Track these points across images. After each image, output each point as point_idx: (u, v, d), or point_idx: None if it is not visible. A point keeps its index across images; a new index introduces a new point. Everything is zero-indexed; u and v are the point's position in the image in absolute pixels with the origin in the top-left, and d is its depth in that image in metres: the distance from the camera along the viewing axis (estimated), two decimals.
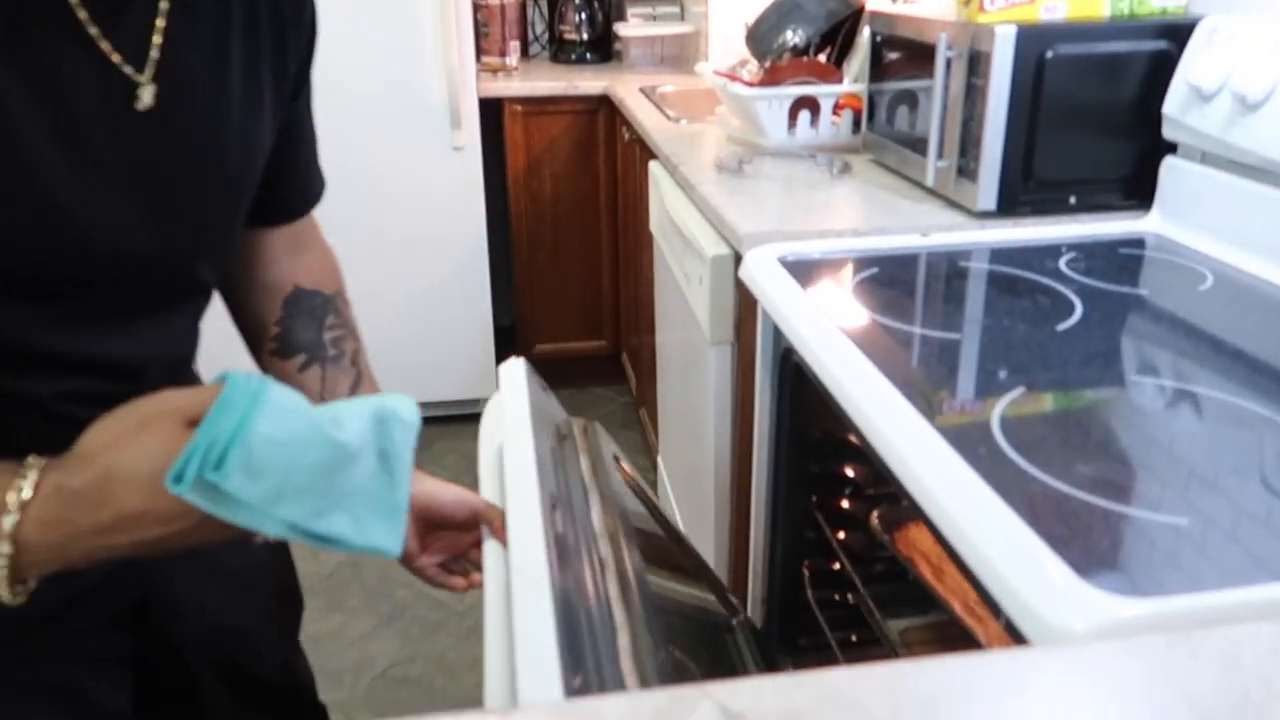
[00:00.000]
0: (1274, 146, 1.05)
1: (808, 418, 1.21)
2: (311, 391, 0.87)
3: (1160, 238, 1.22)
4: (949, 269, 1.14)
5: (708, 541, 1.58)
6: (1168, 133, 1.22)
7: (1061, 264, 1.12)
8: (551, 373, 2.93)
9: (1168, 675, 0.50)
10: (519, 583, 0.61)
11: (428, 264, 2.58)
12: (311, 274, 0.90)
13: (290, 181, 0.85)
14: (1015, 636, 0.61)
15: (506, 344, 2.79)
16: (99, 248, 0.63)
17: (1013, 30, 1.19)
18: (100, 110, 0.62)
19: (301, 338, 0.88)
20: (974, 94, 1.25)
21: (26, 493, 0.51)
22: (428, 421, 2.91)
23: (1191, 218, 1.20)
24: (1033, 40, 1.20)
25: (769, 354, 1.21)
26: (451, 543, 0.89)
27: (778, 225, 1.25)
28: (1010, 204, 1.26)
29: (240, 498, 0.49)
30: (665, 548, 1.16)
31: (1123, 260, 1.15)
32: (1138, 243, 1.21)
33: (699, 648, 1.21)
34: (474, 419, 3.12)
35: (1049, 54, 1.20)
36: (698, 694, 0.48)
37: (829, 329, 0.96)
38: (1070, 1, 1.24)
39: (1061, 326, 0.95)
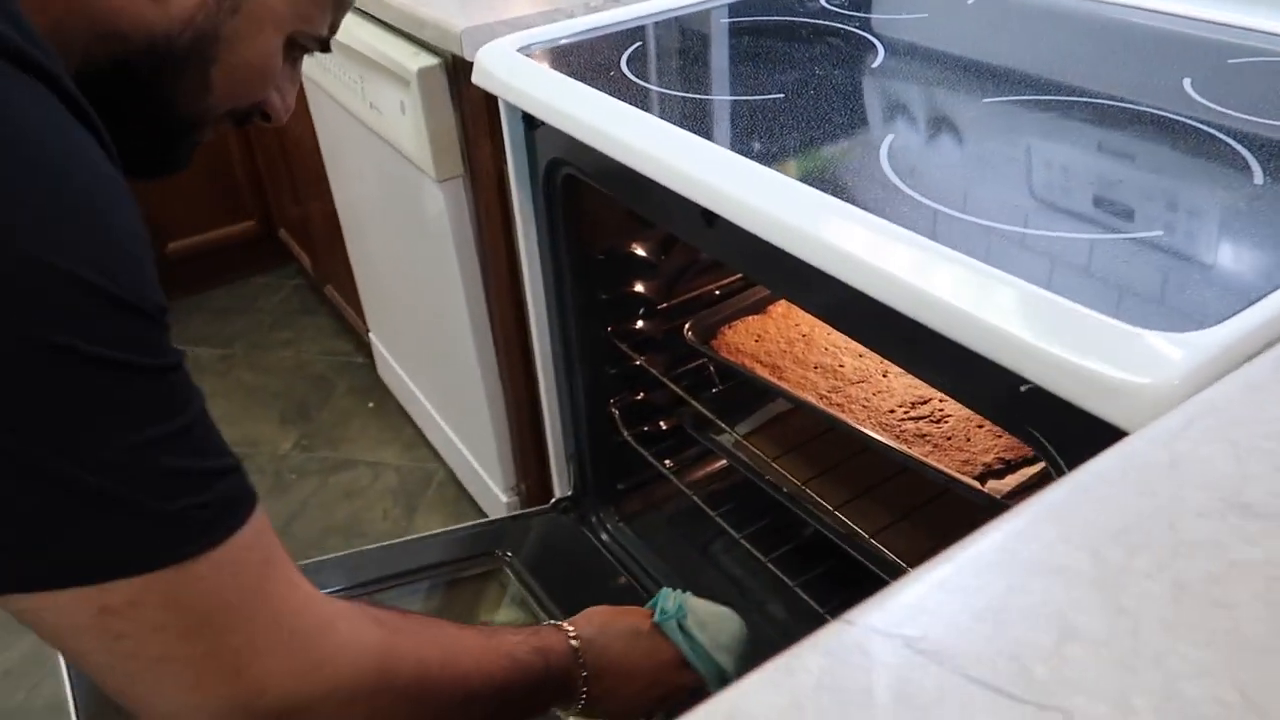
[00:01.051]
0: None
1: (586, 238, 1.03)
2: None
3: None
4: (716, 28, 0.98)
5: (478, 413, 1.38)
6: None
7: (823, 3, 1.00)
8: (196, 272, 2.47)
9: None
10: None
11: None
12: None
13: None
14: (1037, 408, 0.50)
15: None
16: None
17: None
18: None
19: None
20: None
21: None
22: None
23: None
24: None
25: (525, 173, 1.00)
26: None
27: (495, 16, 1.01)
28: None
29: (694, 636, 0.74)
30: None
31: None
32: None
33: None
34: None
35: None
36: (845, 627, 0.32)
37: (627, 112, 0.77)
38: None
39: (874, 64, 0.84)
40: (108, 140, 0.43)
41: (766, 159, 0.67)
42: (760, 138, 0.71)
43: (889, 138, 0.69)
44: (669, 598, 0.76)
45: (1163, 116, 0.69)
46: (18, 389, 0.37)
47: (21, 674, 1.53)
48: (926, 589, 0.33)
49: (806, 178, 0.64)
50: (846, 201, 0.60)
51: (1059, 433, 0.51)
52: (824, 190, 0.62)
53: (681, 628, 0.74)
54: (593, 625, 0.70)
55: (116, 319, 0.40)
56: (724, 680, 0.75)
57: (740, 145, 0.69)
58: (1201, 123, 0.68)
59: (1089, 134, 0.69)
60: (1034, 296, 0.50)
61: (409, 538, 1.06)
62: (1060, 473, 0.53)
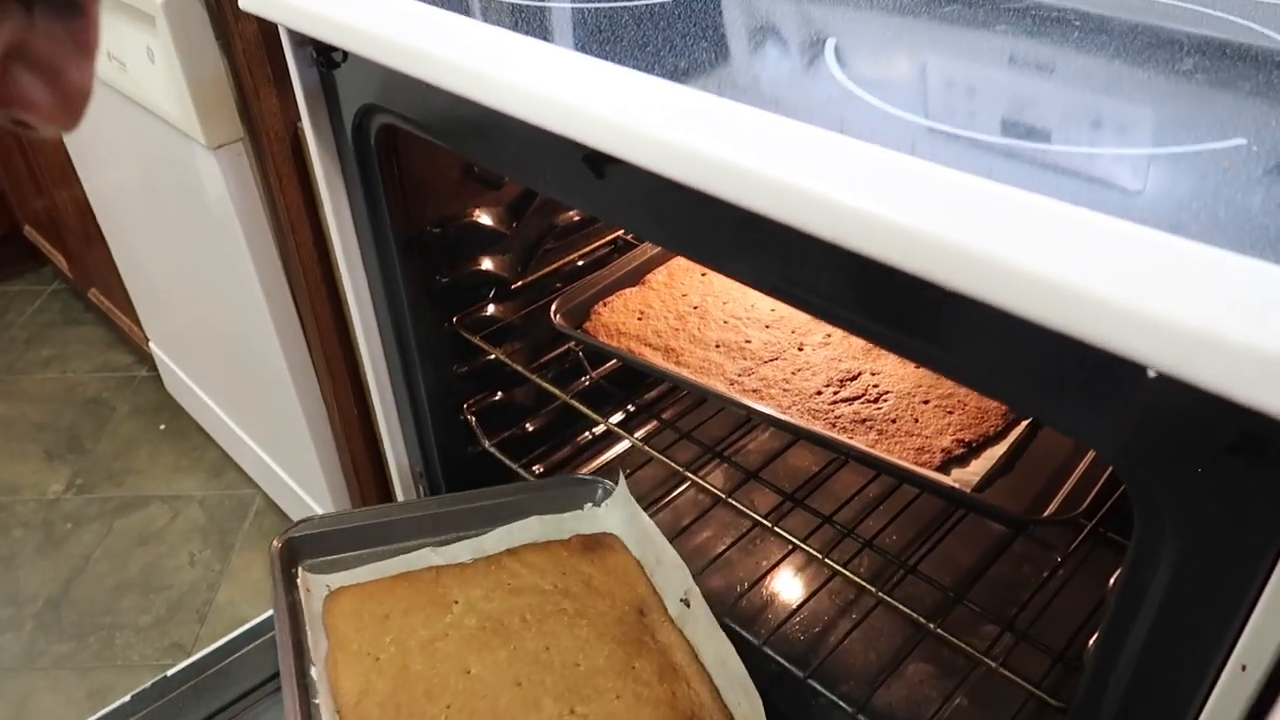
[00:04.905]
0: None
1: (414, 207, 0.81)
2: None
3: None
4: None
5: (294, 431, 1.14)
6: None
7: None
8: None
9: None
10: None
11: None
12: None
13: None
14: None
15: None
16: None
17: None
18: None
19: None
20: None
21: None
22: None
23: None
24: None
25: (327, 129, 0.77)
26: None
27: None
28: None
29: None
30: None
31: None
32: None
33: None
34: None
35: None
36: None
37: (467, 27, 0.56)
38: None
39: None
40: None
41: (679, 77, 0.48)
42: (661, 51, 0.52)
43: (830, 40, 0.52)
44: None
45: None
46: None
47: None
48: None
49: (740, 97, 0.45)
50: (807, 123, 0.42)
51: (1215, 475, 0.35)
52: (770, 110, 0.44)
53: None
54: None
55: None
56: None
57: (637, 62, 0.50)
58: None
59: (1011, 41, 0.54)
60: (1137, 235, 0.34)
61: (136, 692, 0.75)
62: (1150, 539, 0.37)
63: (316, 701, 0.65)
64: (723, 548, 0.84)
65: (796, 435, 0.71)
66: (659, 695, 0.65)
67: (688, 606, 0.71)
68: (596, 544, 0.78)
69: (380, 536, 0.78)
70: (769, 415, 0.71)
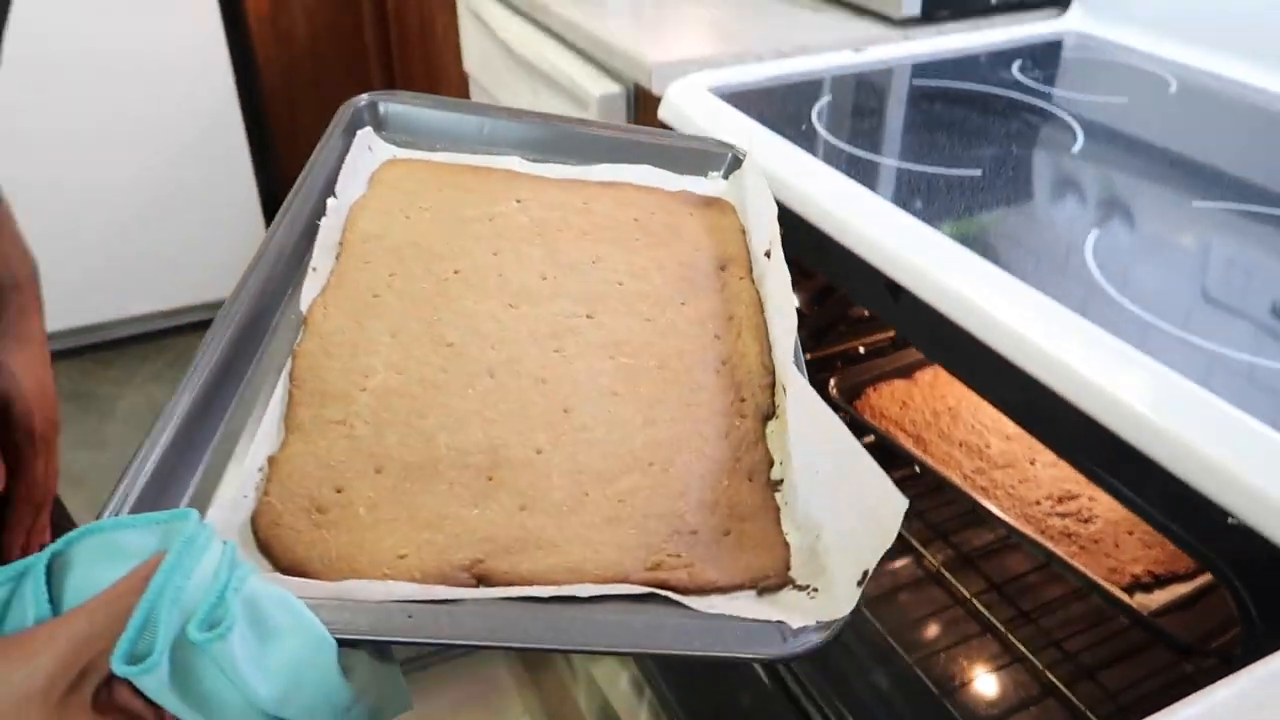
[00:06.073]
0: None
1: None
2: None
3: (1083, 36, 1.11)
4: (911, 90, 0.97)
5: None
6: None
7: (1016, 73, 0.99)
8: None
9: None
10: None
11: (168, 139, 2.09)
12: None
13: None
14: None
15: None
16: None
17: None
18: None
19: None
20: None
21: None
22: (196, 328, 2.40)
23: (1116, 10, 1.09)
24: None
25: None
26: None
27: (686, 51, 1.02)
28: (932, 7, 1.10)
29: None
30: None
31: (1076, 65, 1.03)
32: (1057, 44, 1.10)
33: None
34: None
35: None
36: None
37: (824, 172, 0.77)
38: None
39: (1074, 149, 0.82)
40: None
41: (967, 241, 0.66)
42: (958, 215, 0.70)
43: (1093, 233, 0.68)
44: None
45: None
46: None
47: None
48: None
49: (1008, 267, 0.63)
50: (1054, 300, 0.59)
51: (1263, 579, 0.49)
52: (1029, 283, 0.61)
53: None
54: None
55: None
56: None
57: (938, 222, 0.68)
58: None
59: None
60: (1262, 435, 0.48)
61: None
62: (1250, 623, 0.51)
63: (319, 222, 0.60)
64: (918, 618, 0.97)
65: (1008, 532, 0.85)
66: (698, 333, 0.57)
67: (769, 259, 0.62)
68: (705, 203, 0.69)
69: (474, 137, 0.72)
70: (989, 509, 0.85)
